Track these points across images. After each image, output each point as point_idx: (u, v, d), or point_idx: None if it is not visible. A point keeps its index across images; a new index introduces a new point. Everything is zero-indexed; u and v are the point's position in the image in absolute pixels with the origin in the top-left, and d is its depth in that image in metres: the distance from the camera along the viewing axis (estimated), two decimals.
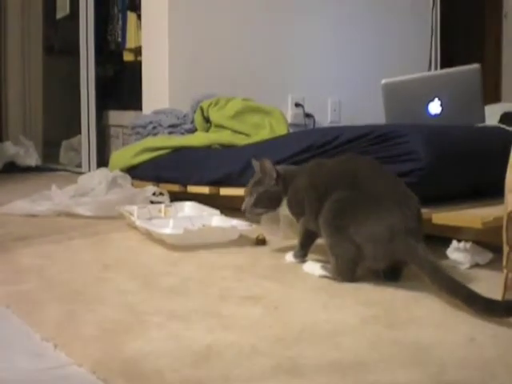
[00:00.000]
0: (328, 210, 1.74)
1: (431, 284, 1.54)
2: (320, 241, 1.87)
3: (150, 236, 2.29)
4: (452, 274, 1.71)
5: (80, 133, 4.91)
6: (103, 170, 3.24)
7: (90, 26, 4.73)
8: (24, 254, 2.09)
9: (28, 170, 5.05)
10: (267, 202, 1.99)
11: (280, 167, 2.03)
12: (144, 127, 3.62)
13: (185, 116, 3.55)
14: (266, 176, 1.99)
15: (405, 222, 1.63)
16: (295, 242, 2.00)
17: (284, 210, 2.04)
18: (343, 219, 1.70)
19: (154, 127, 3.56)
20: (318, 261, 1.85)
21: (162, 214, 2.55)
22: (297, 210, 1.94)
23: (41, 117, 5.68)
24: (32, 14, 5.60)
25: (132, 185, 3.09)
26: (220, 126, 3.35)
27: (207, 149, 3.13)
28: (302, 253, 1.94)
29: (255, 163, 2.07)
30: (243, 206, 2.01)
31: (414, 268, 1.62)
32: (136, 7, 4.64)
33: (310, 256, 1.95)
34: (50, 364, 1.18)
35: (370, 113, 3.51)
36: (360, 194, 1.70)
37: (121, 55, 5.05)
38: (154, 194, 2.90)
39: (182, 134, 3.46)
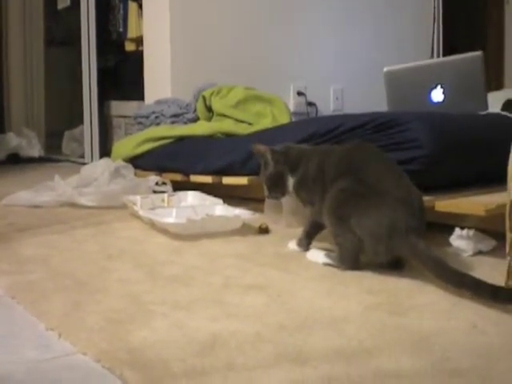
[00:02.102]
0: (332, 198, 1.74)
1: (436, 278, 1.54)
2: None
3: (153, 225, 2.29)
4: (455, 261, 1.72)
5: (82, 123, 4.91)
6: (106, 160, 3.23)
7: (91, 17, 4.72)
8: (28, 244, 2.09)
9: (31, 160, 5.05)
10: (275, 186, 1.98)
11: (282, 145, 2.01)
12: (146, 117, 3.62)
13: (187, 105, 3.55)
14: (264, 160, 1.99)
15: (406, 220, 1.63)
16: (298, 230, 2.00)
17: (287, 198, 2.04)
18: (345, 210, 1.70)
19: (157, 117, 3.56)
20: (322, 248, 1.86)
21: (165, 204, 2.55)
22: (305, 195, 1.93)
23: (43, 108, 5.67)
24: (33, 5, 5.59)
25: (135, 175, 3.09)
26: (222, 115, 3.35)
27: (210, 138, 3.13)
28: (307, 242, 1.94)
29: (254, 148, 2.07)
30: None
31: (416, 264, 1.62)
32: None
33: (313, 244, 1.95)
34: (54, 353, 1.19)
35: (373, 101, 3.50)
36: (364, 186, 1.70)
37: (122, 45, 5.04)
38: (156, 183, 2.90)
39: (185, 123, 3.46)
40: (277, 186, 1.98)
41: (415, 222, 1.64)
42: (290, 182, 1.95)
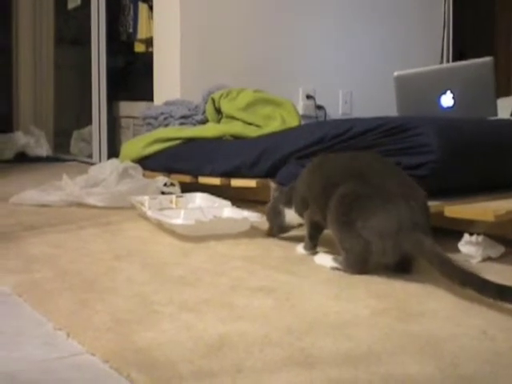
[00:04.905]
0: (335, 205, 1.74)
1: (441, 276, 1.54)
2: (328, 232, 1.87)
3: (161, 226, 2.29)
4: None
5: (91, 123, 4.92)
6: (114, 160, 3.24)
7: (102, 17, 4.74)
8: (35, 243, 2.10)
9: (39, 160, 5.07)
10: (274, 219, 2.14)
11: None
12: (155, 118, 3.62)
13: (196, 107, 3.55)
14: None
15: (412, 217, 1.63)
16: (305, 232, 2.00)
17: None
18: (350, 215, 1.69)
19: (166, 118, 3.56)
20: (329, 253, 1.85)
21: (173, 205, 2.55)
22: (301, 207, 1.97)
23: (52, 107, 5.69)
24: (44, 5, 5.61)
25: (143, 175, 3.09)
26: (231, 117, 3.35)
27: (218, 140, 3.13)
28: (312, 245, 1.95)
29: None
30: None
31: (423, 262, 1.62)
32: None
33: (320, 248, 1.95)
34: (62, 353, 1.19)
35: (382, 105, 3.50)
36: (367, 189, 1.70)
37: (132, 46, 5.06)
38: (165, 184, 2.90)
39: (194, 125, 3.46)
40: (276, 219, 2.13)
41: (421, 218, 1.64)
42: (288, 213, 2.07)
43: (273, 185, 2.17)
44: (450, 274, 1.51)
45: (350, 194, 1.71)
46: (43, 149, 5.22)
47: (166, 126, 3.53)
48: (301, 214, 1.99)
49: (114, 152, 4.50)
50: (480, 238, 1.89)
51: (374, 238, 1.66)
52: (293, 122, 3.29)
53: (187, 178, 2.99)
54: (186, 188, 2.87)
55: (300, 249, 1.98)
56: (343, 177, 1.77)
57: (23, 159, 5.04)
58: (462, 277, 1.48)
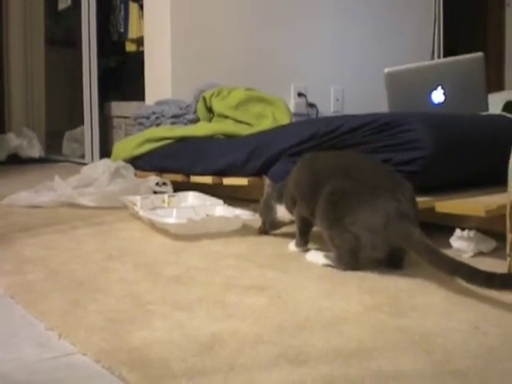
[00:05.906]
0: (323, 203, 1.75)
1: (430, 265, 1.55)
2: (318, 229, 1.88)
3: (153, 226, 2.29)
4: None
5: (83, 124, 4.90)
6: (106, 160, 3.23)
7: (92, 17, 4.72)
8: (28, 244, 2.09)
9: (31, 161, 5.05)
10: (266, 213, 2.16)
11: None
12: (147, 118, 3.61)
13: (187, 106, 3.55)
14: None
15: (399, 208, 1.64)
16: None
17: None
18: (338, 211, 1.71)
19: (157, 118, 3.56)
20: (320, 250, 1.86)
21: (166, 204, 2.55)
22: (291, 204, 1.99)
23: (43, 108, 5.67)
24: (33, 6, 5.59)
25: (135, 175, 3.09)
26: (223, 116, 3.35)
27: (210, 139, 3.13)
28: (303, 241, 1.96)
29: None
30: None
31: (412, 253, 1.64)
32: None
33: (311, 245, 1.96)
34: (54, 353, 1.19)
35: (373, 102, 3.50)
36: (353, 184, 1.72)
37: (123, 46, 5.04)
38: (157, 184, 2.89)
39: (185, 124, 3.45)
40: (268, 214, 2.15)
41: (408, 210, 1.65)
42: (280, 209, 2.09)
43: (267, 181, 2.19)
44: (438, 263, 1.52)
45: (337, 192, 1.73)
46: (35, 150, 5.20)
47: (158, 125, 3.52)
48: (290, 211, 2.00)
49: (106, 152, 4.48)
50: (471, 233, 1.89)
51: (363, 233, 1.67)
52: (284, 120, 3.29)
53: (179, 177, 2.99)
54: (178, 187, 2.86)
55: (292, 246, 1.98)
56: (330, 174, 1.79)
57: (16, 160, 5.02)
58: (450, 265, 1.49)
